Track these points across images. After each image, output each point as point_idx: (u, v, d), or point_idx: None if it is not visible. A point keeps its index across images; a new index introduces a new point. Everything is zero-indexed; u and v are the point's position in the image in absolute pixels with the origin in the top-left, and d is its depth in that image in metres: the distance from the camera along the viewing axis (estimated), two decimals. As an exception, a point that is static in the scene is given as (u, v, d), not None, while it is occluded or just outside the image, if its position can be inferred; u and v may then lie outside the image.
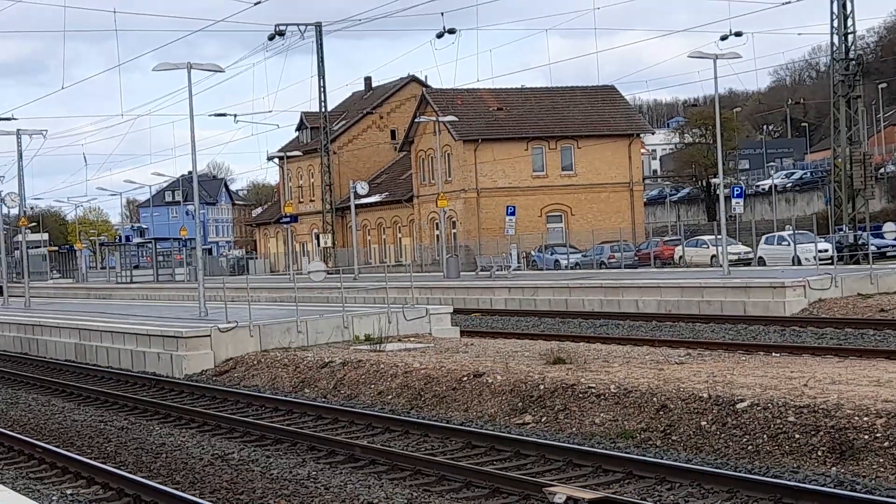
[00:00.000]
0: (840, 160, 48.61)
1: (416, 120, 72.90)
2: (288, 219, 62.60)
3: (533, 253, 63.58)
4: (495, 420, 16.39)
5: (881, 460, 11.90)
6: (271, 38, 62.35)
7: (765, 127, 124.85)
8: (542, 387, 16.73)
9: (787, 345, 22.81)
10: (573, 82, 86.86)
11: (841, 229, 47.64)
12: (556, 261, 61.00)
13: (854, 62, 47.00)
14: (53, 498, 13.10)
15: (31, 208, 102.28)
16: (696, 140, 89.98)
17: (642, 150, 74.46)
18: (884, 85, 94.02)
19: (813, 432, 12.80)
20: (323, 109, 65.74)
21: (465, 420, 16.64)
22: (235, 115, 66.87)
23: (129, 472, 14.02)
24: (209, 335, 24.86)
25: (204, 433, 17.45)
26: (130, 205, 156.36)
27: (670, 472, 12.26)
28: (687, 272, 45.34)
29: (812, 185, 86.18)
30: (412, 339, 25.61)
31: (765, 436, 13.16)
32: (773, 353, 20.97)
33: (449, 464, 13.47)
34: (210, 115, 69.16)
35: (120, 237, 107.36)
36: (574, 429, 15.24)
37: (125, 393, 22.37)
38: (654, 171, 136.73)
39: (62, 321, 32.08)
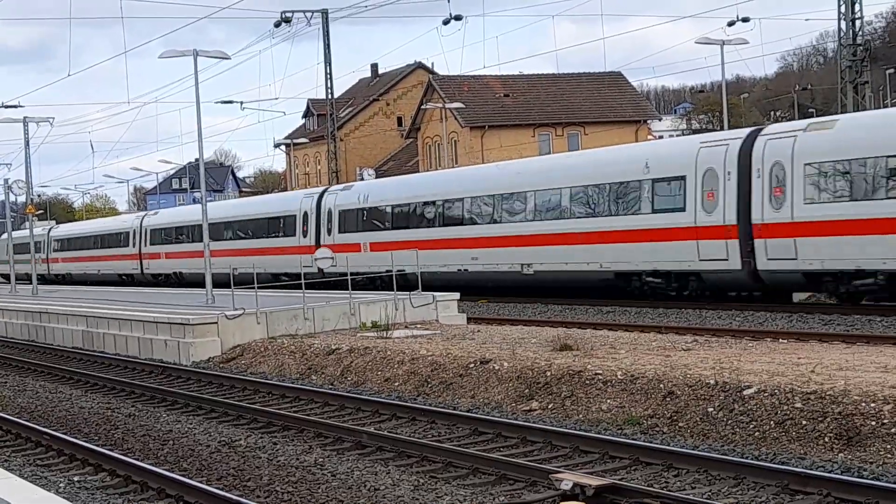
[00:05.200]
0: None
1: (422, 107, 72.87)
2: (295, 206, 62.47)
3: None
4: (502, 407, 16.39)
5: (888, 446, 11.88)
6: (277, 24, 62.22)
7: (772, 113, 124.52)
8: (548, 373, 16.73)
9: (795, 331, 22.76)
10: (580, 68, 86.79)
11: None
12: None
13: (861, 48, 46.79)
14: (60, 485, 13.11)
15: (39, 196, 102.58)
16: (704, 126, 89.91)
17: (649, 137, 74.28)
18: (891, 70, 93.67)
19: (820, 418, 12.78)
20: (329, 96, 65.64)
21: (471, 407, 16.64)
22: (242, 103, 66.97)
23: (137, 459, 14.05)
24: (216, 322, 24.89)
25: (211, 420, 17.47)
26: (137, 192, 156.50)
27: (677, 458, 12.26)
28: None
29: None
30: (419, 325, 25.62)
31: (772, 422, 13.14)
32: (780, 340, 20.93)
33: (456, 450, 13.47)
34: (217, 103, 69.32)
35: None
36: (581, 415, 15.24)
37: (132, 380, 22.41)
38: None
39: (69, 308, 32.13)
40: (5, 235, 79.09)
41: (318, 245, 41.02)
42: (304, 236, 43.63)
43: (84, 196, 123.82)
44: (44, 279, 67.98)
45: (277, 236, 45.66)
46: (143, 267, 58.69)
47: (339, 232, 41.64)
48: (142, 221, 59.92)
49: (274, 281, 40.80)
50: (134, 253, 59.52)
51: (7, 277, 70.64)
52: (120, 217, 78.17)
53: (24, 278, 69.71)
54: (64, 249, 70.80)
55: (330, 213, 42.41)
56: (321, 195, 43.68)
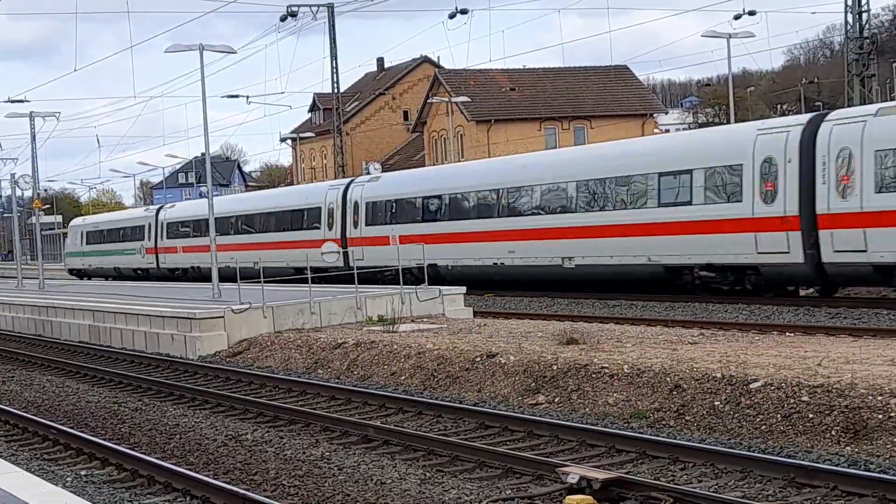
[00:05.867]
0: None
1: (428, 101, 72.87)
2: (301, 200, 62.35)
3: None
4: (508, 400, 16.39)
5: (895, 440, 11.86)
6: (283, 18, 62.30)
7: (779, 106, 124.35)
8: (555, 367, 16.72)
9: (801, 324, 22.74)
10: (587, 62, 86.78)
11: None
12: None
13: (868, 41, 46.75)
14: (68, 479, 13.13)
15: (45, 190, 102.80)
16: (710, 120, 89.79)
17: (655, 130, 74.25)
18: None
19: (827, 412, 12.77)
20: (335, 90, 65.68)
21: (478, 400, 16.64)
22: (248, 97, 67.42)
23: (143, 453, 14.06)
24: (223, 316, 24.91)
25: (217, 414, 17.49)
26: (144, 186, 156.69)
27: (684, 452, 12.25)
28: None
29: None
30: (425, 319, 25.61)
31: (778, 415, 13.13)
32: (787, 333, 20.91)
33: (462, 444, 13.47)
34: (223, 97, 69.75)
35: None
36: (587, 409, 15.23)
37: (139, 374, 22.45)
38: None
39: (76, 303, 32.17)
40: (78, 221, 73.38)
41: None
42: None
43: (91, 190, 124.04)
44: (147, 275, 58.00)
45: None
46: (348, 257, 39.54)
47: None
48: (345, 192, 41.95)
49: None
50: (333, 237, 40.77)
51: (79, 273, 67.39)
52: (295, 188, 57.34)
53: (130, 275, 61.12)
54: (186, 236, 54.93)
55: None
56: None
